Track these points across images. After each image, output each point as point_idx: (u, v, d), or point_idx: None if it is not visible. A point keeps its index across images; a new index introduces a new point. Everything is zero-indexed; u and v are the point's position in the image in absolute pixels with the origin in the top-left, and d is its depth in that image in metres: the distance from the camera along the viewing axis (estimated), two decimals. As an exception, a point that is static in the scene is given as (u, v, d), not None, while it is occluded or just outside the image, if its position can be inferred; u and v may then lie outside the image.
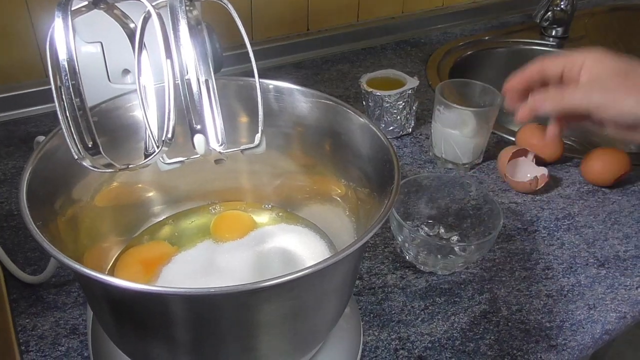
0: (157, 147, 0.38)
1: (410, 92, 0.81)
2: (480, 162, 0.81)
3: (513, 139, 0.85)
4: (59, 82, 0.35)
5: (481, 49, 1.15)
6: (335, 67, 1.04)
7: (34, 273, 0.59)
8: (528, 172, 0.77)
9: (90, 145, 0.34)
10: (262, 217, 0.57)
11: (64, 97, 0.35)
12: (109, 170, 0.36)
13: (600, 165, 0.76)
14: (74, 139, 0.35)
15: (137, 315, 0.39)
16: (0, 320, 0.54)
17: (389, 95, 0.80)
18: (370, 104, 0.83)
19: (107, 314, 0.41)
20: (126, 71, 0.58)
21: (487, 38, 1.19)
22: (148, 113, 0.39)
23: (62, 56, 0.33)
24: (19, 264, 0.59)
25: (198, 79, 0.39)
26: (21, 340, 0.53)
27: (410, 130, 0.85)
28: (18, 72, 0.85)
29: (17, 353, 0.52)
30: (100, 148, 0.34)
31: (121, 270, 0.48)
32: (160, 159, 0.39)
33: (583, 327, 0.58)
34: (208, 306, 0.37)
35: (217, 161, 0.41)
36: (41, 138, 0.46)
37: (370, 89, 0.81)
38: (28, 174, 0.40)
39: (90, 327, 0.53)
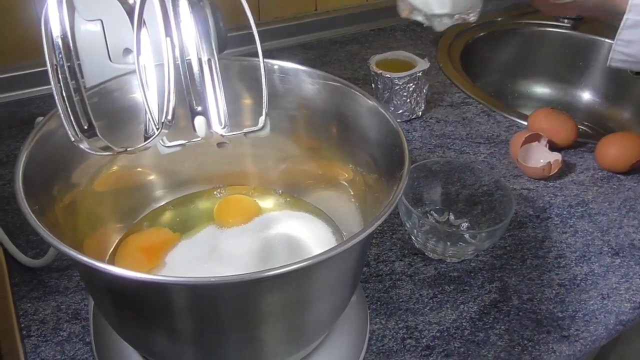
0: (157, 129, 0.36)
1: (420, 74, 0.79)
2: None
3: (525, 123, 0.83)
4: (54, 60, 0.33)
5: (493, 30, 1.12)
6: (344, 49, 1.02)
7: (36, 257, 0.58)
8: (541, 157, 0.75)
9: (86, 127, 0.32)
10: (267, 202, 0.55)
11: (59, 76, 0.33)
12: (107, 153, 0.35)
13: (615, 150, 0.74)
14: (70, 120, 0.34)
15: (138, 304, 0.38)
16: (2, 305, 0.54)
17: (399, 77, 0.78)
18: (379, 86, 0.81)
19: (107, 302, 0.40)
20: (128, 50, 0.56)
21: (499, 19, 1.16)
22: (148, 94, 0.38)
23: (56, 33, 0.32)
24: (20, 248, 0.58)
25: (199, 58, 0.37)
26: (22, 325, 0.53)
27: (420, 113, 0.83)
28: (20, 52, 0.83)
29: (18, 338, 0.51)
30: (97, 130, 0.33)
31: (122, 259, 0.47)
32: (160, 142, 0.38)
33: (596, 318, 0.56)
34: (210, 296, 0.36)
35: (219, 144, 0.39)
36: (42, 119, 0.45)
37: (379, 71, 0.79)
38: (24, 157, 0.39)
39: (92, 313, 0.52)
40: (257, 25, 0.40)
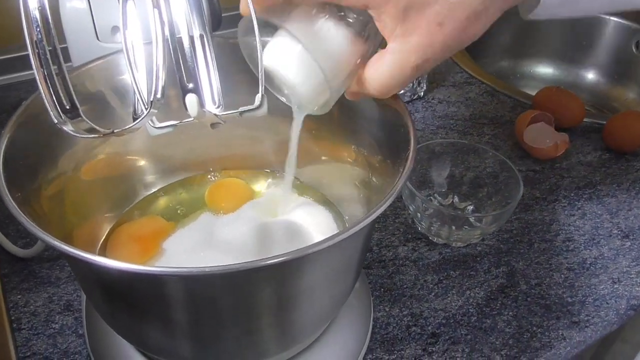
0: (146, 109, 0.34)
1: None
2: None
3: (529, 102, 0.80)
4: (33, 35, 0.31)
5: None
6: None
7: (26, 246, 0.56)
8: (547, 138, 0.72)
9: (68, 108, 0.30)
10: (265, 186, 0.53)
11: (39, 52, 0.31)
12: (92, 135, 0.33)
13: (624, 130, 0.72)
14: (52, 100, 0.31)
15: (130, 296, 0.36)
16: (-9, 297, 0.52)
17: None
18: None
19: (98, 295, 0.38)
20: (116, 29, 0.53)
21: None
22: (135, 71, 0.35)
23: (33, 4, 0.29)
24: (10, 237, 0.56)
25: (189, 32, 0.34)
26: (13, 318, 0.51)
27: (422, 94, 0.81)
28: (8, 36, 0.80)
29: (8, 331, 0.49)
30: (80, 111, 0.30)
31: (114, 249, 0.45)
32: (150, 122, 0.35)
33: (607, 303, 0.54)
34: (206, 287, 0.34)
35: (213, 125, 0.37)
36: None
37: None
38: (5, 141, 0.37)
39: (85, 304, 0.50)
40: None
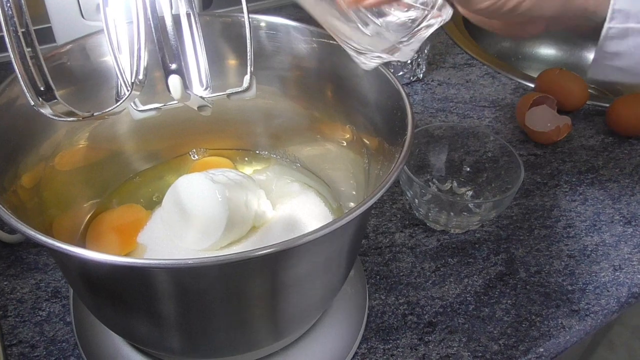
0: (128, 91, 0.32)
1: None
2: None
3: (531, 85, 0.78)
4: (5, 9, 0.29)
5: (498, -13, 1.06)
6: (340, 8, 0.96)
7: (13, 232, 0.54)
8: (549, 121, 0.70)
9: (42, 89, 0.28)
10: (252, 167, 0.51)
11: (12, 33, 0.29)
12: (71, 118, 0.31)
13: (629, 112, 0.70)
14: (28, 82, 0.30)
15: (113, 290, 0.34)
16: (-24, 283, 0.50)
17: (399, 36, 0.73)
18: (377, 46, 0.76)
19: (82, 288, 0.36)
20: (102, 7, 0.51)
21: None
22: (117, 52, 0.33)
23: (3, -19, 0.27)
24: (-4, 222, 0.54)
25: (174, 10, 0.32)
26: (-1, 305, 0.49)
27: (421, 75, 0.79)
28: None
29: (-6, 318, 0.48)
30: (55, 92, 0.29)
31: (93, 239, 0.43)
32: (133, 105, 0.34)
33: (608, 290, 0.53)
34: (192, 278, 0.32)
35: (200, 108, 0.35)
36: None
37: (377, 30, 0.74)
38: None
39: (72, 291, 0.49)
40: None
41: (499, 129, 0.72)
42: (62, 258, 0.34)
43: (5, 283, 0.51)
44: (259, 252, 0.29)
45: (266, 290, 0.35)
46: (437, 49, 0.85)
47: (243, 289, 0.34)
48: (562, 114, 0.71)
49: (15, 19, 0.28)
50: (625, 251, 0.57)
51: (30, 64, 0.28)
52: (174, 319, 0.35)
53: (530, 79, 0.79)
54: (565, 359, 0.59)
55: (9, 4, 0.27)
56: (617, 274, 0.55)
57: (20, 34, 0.28)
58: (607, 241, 0.58)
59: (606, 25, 0.48)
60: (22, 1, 0.28)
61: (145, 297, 0.34)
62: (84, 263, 0.31)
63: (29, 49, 0.29)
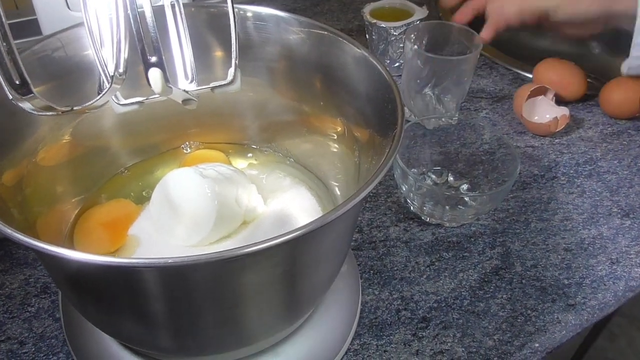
0: (109, 84, 0.31)
1: (418, 23, 0.73)
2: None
3: (530, 75, 0.77)
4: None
5: (497, -24, 1.04)
6: (337, -3, 0.95)
7: (2, 227, 0.54)
8: (547, 112, 0.69)
9: (17, 83, 0.27)
10: (244, 161, 0.51)
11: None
12: (50, 113, 0.30)
13: (620, 95, 0.69)
14: (3, 75, 0.29)
15: (100, 290, 0.33)
16: (-35, 279, 0.50)
17: (395, 27, 0.72)
18: (374, 37, 0.75)
19: (67, 288, 0.36)
20: (89, -3, 0.50)
21: None
22: (98, 44, 0.33)
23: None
24: (-15, 217, 0.53)
25: (155, 6, 0.32)
26: (-13, 301, 0.49)
27: (417, 66, 0.78)
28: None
29: (-18, 315, 0.48)
30: (31, 87, 0.28)
31: (81, 237, 0.42)
32: (114, 99, 0.33)
33: (605, 284, 0.52)
34: (180, 276, 0.32)
35: (185, 102, 0.34)
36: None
37: (374, 20, 0.73)
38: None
39: (61, 287, 0.48)
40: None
41: (496, 120, 0.71)
42: (45, 258, 0.33)
43: (-6, 279, 0.51)
44: (246, 250, 0.28)
45: (255, 287, 0.34)
46: (434, 39, 0.84)
47: (231, 286, 0.33)
48: (560, 105, 0.70)
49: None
50: (623, 244, 0.56)
51: (6, 58, 0.28)
52: (161, 317, 0.35)
53: (529, 70, 0.78)
54: (563, 349, 0.58)
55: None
56: (614, 267, 0.54)
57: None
58: (604, 234, 0.57)
59: (638, 20, 0.55)
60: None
61: (131, 296, 0.33)
62: (66, 263, 0.30)
63: (5, 43, 0.28)
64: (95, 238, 0.42)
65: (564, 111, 0.68)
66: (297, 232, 0.28)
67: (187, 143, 0.50)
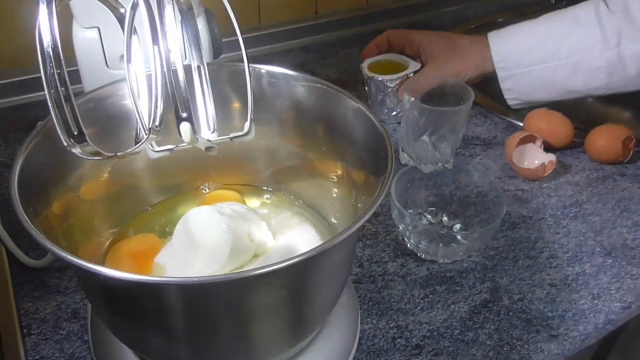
0: (146, 135, 0.37)
1: (412, 75, 0.80)
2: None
3: (521, 124, 0.83)
4: (47, 69, 0.34)
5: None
6: (344, 51, 1.03)
7: (38, 257, 0.60)
8: (536, 158, 0.75)
9: (75, 134, 0.34)
10: (257, 201, 0.57)
11: (51, 84, 0.34)
12: (97, 157, 0.36)
13: (604, 141, 0.75)
14: (63, 127, 0.35)
15: (129, 305, 0.39)
16: (4, 304, 0.55)
17: (391, 79, 0.79)
18: (372, 89, 0.82)
19: (101, 304, 0.41)
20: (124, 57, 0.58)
21: (500, 20, 1.16)
22: (137, 100, 0.39)
23: (47, 43, 0.33)
24: (23, 248, 0.59)
25: (187, 65, 0.38)
26: (23, 324, 0.54)
27: (416, 115, 0.84)
28: (26, 57, 0.85)
29: (19, 336, 0.53)
30: (86, 136, 0.34)
31: (112, 265, 0.48)
32: (149, 146, 0.39)
33: (586, 317, 0.57)
34: (201, 293, 0.37)
35: (208, 149, 0.40)
36: (40, 124, 0.46)
37: (371, 74, 0.80)
38: (20, 161, 0.40)
39: (90, 312, 0.54)
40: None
41: (489, 165, 0.77)
42: (86, 276, 0.39)
43: (29, 304, 0.56)
44: (258, 272, 0.33)
45: (265, 307, 0.39)
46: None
47: (244, 305, 0.39)
48: (549, 152, 0.75)
49: (56, 75, 0.33)
50: (604, 281, 0.61)
51: (65, 109, 0.34)
52: (182, 331, 0.40)
53: (520, 118, 0.84)
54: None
55: (51, 64, 0.33)
56: (595, 302, 0.58)
57: (59, 88, 0.33)
58: (587, 271, 0.62)
59: (497, 73, 0.81)
60: (62, 59, 0.34)
61: (157, 311, 0.38)
62: (105, 280, 0.36)
63: (62, 88, 0.34)
64: (124, 267, 0.48)
65: (551, 157, 0.74)
66: (300, 257, 0.34)
67: (206, 184, 0.57)
